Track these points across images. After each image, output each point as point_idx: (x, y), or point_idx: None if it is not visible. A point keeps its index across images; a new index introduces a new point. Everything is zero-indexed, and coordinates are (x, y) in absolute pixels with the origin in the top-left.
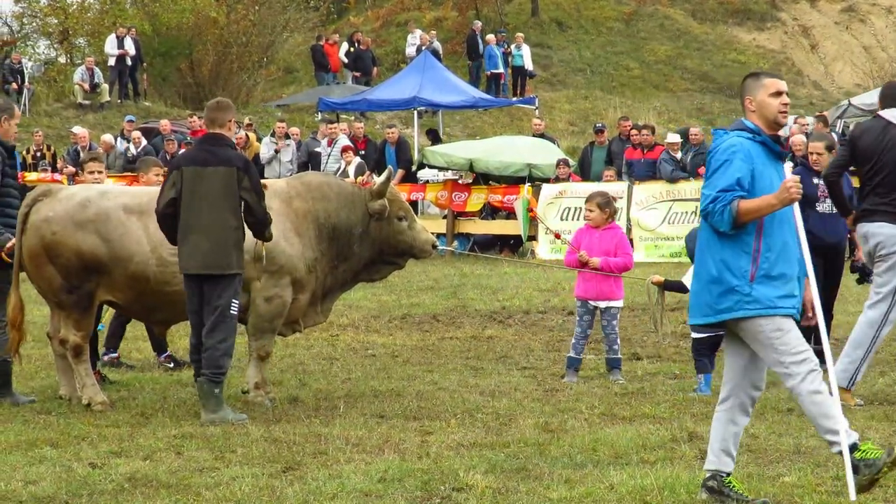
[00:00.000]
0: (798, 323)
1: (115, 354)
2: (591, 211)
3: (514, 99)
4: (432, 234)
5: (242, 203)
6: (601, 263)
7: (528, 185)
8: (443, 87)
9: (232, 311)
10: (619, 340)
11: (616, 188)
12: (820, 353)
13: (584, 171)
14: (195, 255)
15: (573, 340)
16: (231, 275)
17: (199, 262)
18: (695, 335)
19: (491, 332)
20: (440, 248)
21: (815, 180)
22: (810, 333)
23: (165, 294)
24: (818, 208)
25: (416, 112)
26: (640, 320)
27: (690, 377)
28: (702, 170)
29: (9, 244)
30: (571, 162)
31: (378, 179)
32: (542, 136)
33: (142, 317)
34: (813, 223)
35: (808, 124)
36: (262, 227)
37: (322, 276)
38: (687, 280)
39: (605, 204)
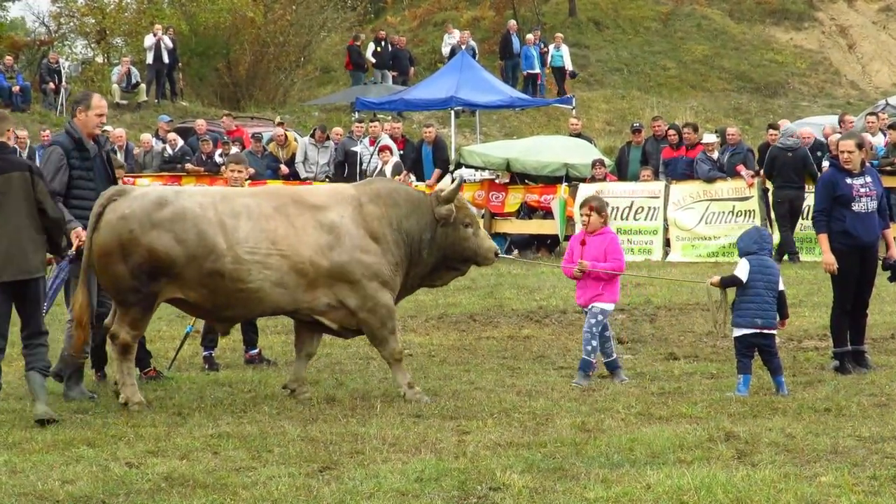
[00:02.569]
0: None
1: (256, 351)
2: (586, 216)
3: (551, 99)
4: None
5: (38, 206)
6: (590, 267)
7: (565, 184)
8: (480, 87)
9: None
10: (592, 342)
11: (653, 188)
12: (861, 354)
13: (621, 171)
14: (6, 262)
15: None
16: (39, 277)
17: (12, 269)
18: (738, 333)
19: (528, 332)
20: (502, 255)
21: (849, 180)
22: (855, 334)
23: (239, 291)
24: (853, 208)
25: (452, 112)
26: (677, 320)
27: (728, 377)
28: (739, 168)
29: (77, 241)
30: (608, 162)
31: (448, 186)
32: (578, 135)
33: (210, 315)
34: (850, 223)
35: (852, 121)
36: (58, 231)
37: (402, 280)
38: (740, 273)
39: (601, 208)
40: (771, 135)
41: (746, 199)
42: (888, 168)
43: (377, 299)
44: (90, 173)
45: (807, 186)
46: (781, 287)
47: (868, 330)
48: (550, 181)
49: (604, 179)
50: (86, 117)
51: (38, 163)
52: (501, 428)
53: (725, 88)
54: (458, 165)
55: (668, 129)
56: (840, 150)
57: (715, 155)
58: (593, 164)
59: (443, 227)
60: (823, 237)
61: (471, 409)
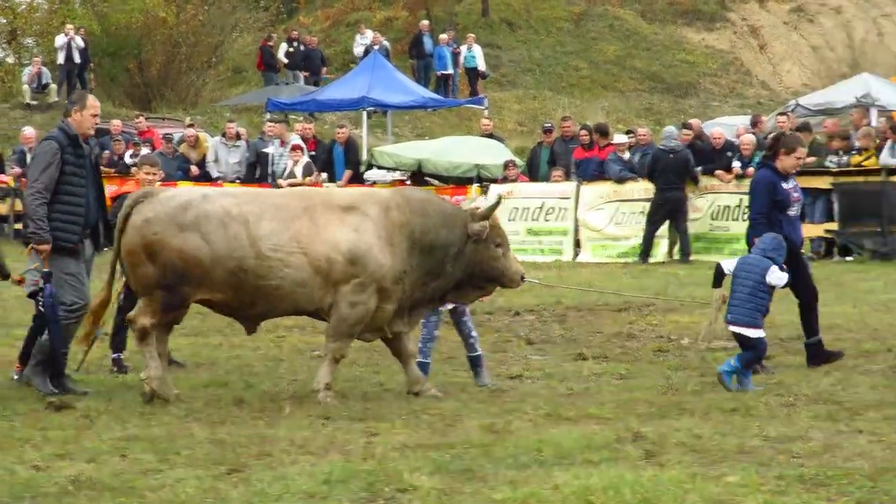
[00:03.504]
0: None
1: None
2: None
3: (464, 99)
4: None
5: None
6: None
7: (476, 185)
8: (392, 88)
9: None
10: (473, 333)
11: (564, 188)
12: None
13: (532, 172)
14: None
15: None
16: None
17: None
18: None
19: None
20: (528, 280)
21: (784, 184)
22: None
23: (262, 288)
24: (789, 213)
25: (364, 112)
26: (587, 321)
27: (636, 377)
28: None
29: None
30: (519, 162)
31: (486, 203)
32: (490, 136)
33: (238, 313)
34: (786, 228)
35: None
36: None
37: (410, 290)
38: (726, 266)
39: None
40: (684, 135)
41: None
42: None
43: (366, 302)
44: (83, 171)
45: (687, 189)
46: (780, 280)
47: (776, 329)
48: (462, 182)
49: (515, 180)
50: (81, 117)
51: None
52: (410, 429)
53: (637, 89)
54: (370, 166)
55: (581, 129)
56: (798, 156)
57: (626, 155)
58: (505, 165)
59: (473, 244)
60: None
61: (380, 411)
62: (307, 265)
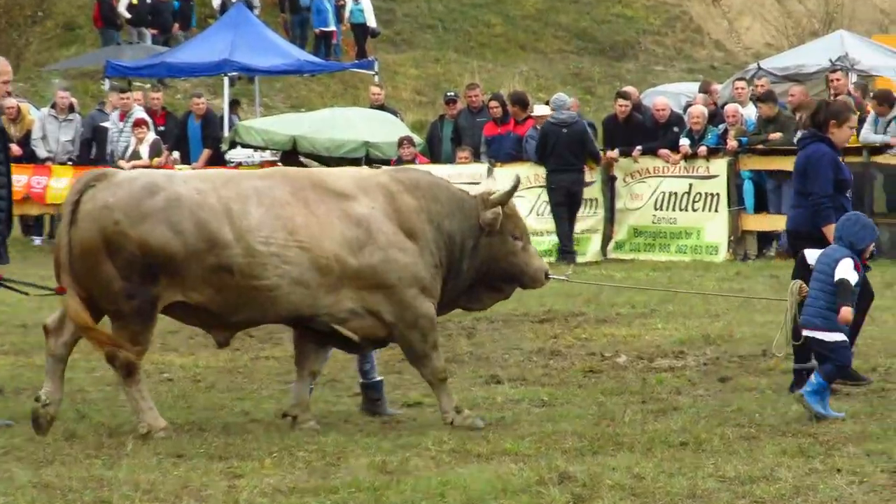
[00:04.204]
0: None
1: None
2: None
3: (349, 63)
4: None
5: None
6: None
7: (365, 167)
8: (260, 48)
9: None
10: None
11: (473, 171)
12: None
13: (434, 151)
14: None
15: None
16: None
17: None
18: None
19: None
20: (553, 276)
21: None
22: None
23: (252, 289)
24: (848, 195)
25: (226, 78)
26: (501, 335)
27: (562, 404)
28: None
29: None
30: (417, 139)
31: (502, 189)
32: (381, 107)
33: (217, 320)
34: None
35: (717, 90)
36: None
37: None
38: (810, 256)
39: None
40: (620, 105)
41: (587, 184)
42: (759, 146)
43: (417, 309)
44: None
45: (587, 170)
46: (839, 275)
47: (735, 344)
48: (347, 164)
49: (413, 161)
50: None
51: None
52: (282, 470)
53: (562, 50)
54: (233, 144)
55: (492, 99)
56: (851, 125)
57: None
58: (399, 143)
59: (487, 237)
60: (832, 227)
61: (245, 447)
62: (310, 262)
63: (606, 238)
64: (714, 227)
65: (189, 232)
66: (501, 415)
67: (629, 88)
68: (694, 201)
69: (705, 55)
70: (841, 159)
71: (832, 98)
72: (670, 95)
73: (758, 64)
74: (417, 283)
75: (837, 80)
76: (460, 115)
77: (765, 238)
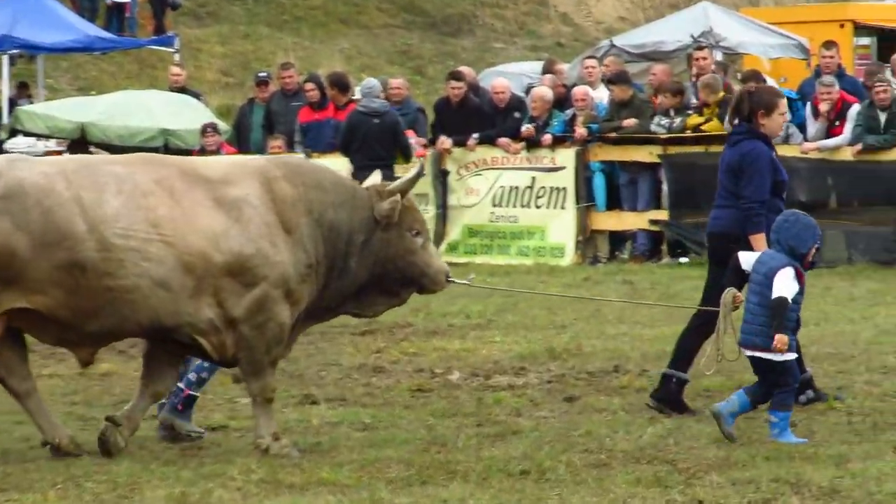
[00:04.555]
0: None
1: None
2: None
3: (145, 38)
4: None
5: None
6: None
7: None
8: (42, 22)
9: None
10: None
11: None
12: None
13: (242, 140)
14: None
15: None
16: None
17: None
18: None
19: (108, 367)
20: (453, 279)
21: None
22: None
23: (107, 290)
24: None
25: (5, 57)
26: (317, 349)
27: (387, 427)
28: (409, 134)
29: None
30: (223, 126)
31: (404, 176)
32: (182, 90)
33: (72, 331)
34: None
35: (562, 70)
36: None
37: (314, 291)
38: (745, 260)
39: None
40: (453, 88)
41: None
42: (612, 135)
43: (272, 313)
44: None
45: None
46: (776, 293)
47: (583, 359)
48: None
49: (217, 150)
50: None
51: None
52: (69, 503)
53: (389, 24)
54: (13, 132)
55: (308, 81)
56: (781, 112)
57: None
58: (203, 130)
59: (383, 232)
60: (762, 237)
61: (24, 478)
62: (174, 260)
63: (438, 239)
64: (560, 227)
65: (34, 223)
66: (317, 440)
67: (464, 69)
68: (537, 197)
69: (551, 30)
70: (775, 155)
71: (749, 86)
72: (511, 76)
73: (610, 41)
74: (283, 284)
75: (703, 58)
76: (272, 98)
77: (617, 239)
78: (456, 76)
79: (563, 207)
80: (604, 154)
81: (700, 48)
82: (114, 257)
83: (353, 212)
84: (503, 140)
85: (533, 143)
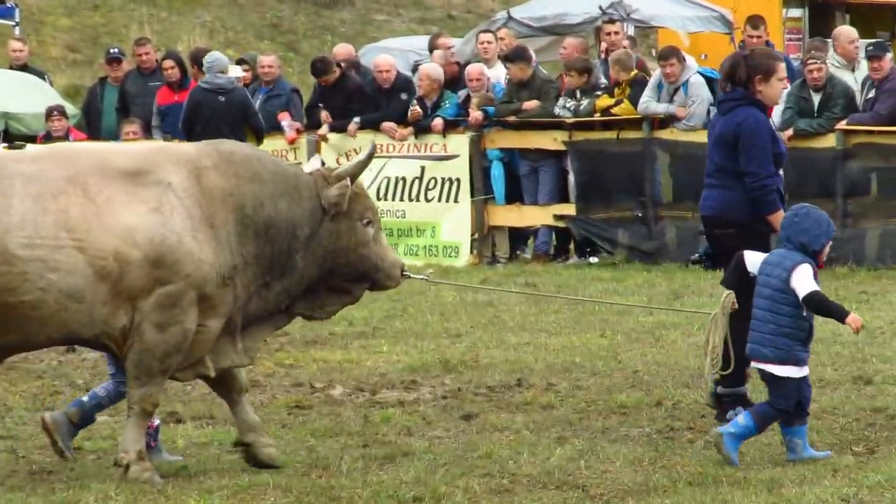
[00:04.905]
0: None
1: None
2: None
3: None
4: None
5: None
6: None
7: (3, 145)
8: None
9: None
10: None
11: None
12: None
13: (92, 124)
14: None
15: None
16: None
17: None
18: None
19: None
20: (408, 274)
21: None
22: None
23: (9, 308)
24: (781, 174)
25: None
26: None
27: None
28: (282, 117)
29: None
30: (71, 110)
31: (354, 158)
32: (24, 68)
33: None
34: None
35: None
36: None
37: (245, 295)
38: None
39: None
40: (322, 81)
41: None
42: (511, 119)
43: (180, 316)
44: None
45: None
46: (804, 290)
47: (482, 372)
48: None
49: (65, 136)
50: None
51: None
52: None
53: None
54: None
55: (166, 58)
56: (780, 77)
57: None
58: (48, 114)
59: (331, 222)
60: (782, 215)
61: None
62: (85, 266)
63: None
64: (453, 223)
65: None
66: (183, 463)
67: (342, 46)
68: (427, 189)
69: (440, 2)
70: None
71: (745, 49)
72: (396, 53)
73: (507, 12)
74: (199, 287)
75: (615, 33)
76: (127, 78)
77: (518, 236)
78: (322, 67)
79: (456, 201)
80: (502, 141)
81: (611, 21)
82: (16, 272)
83: (296, 203)
84: (388, 125)
85: (422, 129)
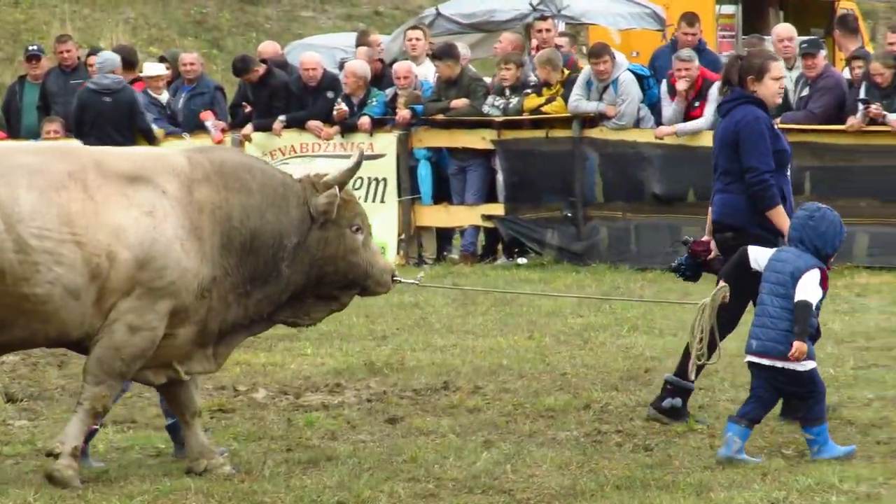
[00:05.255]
0: None
1: None
2: None
3: None
4: None
5: None
6: None
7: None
8: None
9: None
10: None
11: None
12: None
13: (12, 123)
14: None
15: None
16: None
17: None
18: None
19: None
20: (399, 279)
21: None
22: None
23: (22, 299)
24: (788, 174)
25: None
26: None
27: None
28: (205, 116)
29: None
30: None
31: (343, 166)
32: None
33: None
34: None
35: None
36: None
37: (221, 305)
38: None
39: None
40: (245, 79)
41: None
42: (439, 117)
43: (152, 325)
44: None
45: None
46: (801, 295)
47: (408, 375)
48: None
49: None
50: None
51: None
52: None
53: None
54: None
55: (88, 55)
56: (775, 76)
57: (163, 96)
58: None
59: (320, 230)
60: (782, 210)
61: None
62: (82, 263)
63: None
64: (380, 223)
65: None
66: (105, 467)
67: (267, 45)
68: (354, 188)
69: None
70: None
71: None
72: (322, 50)
73: (436, 9)
74: (178, 296)
75: (547, 30)
76: (48, 76)
77: (445, 236)
78: (243, 66)
79: (383, 201)
80: (430, 139)
81: (543, 18)
82: (30, 261)
83: (284, 213)
84: (314, 123)
85: (348, 127)
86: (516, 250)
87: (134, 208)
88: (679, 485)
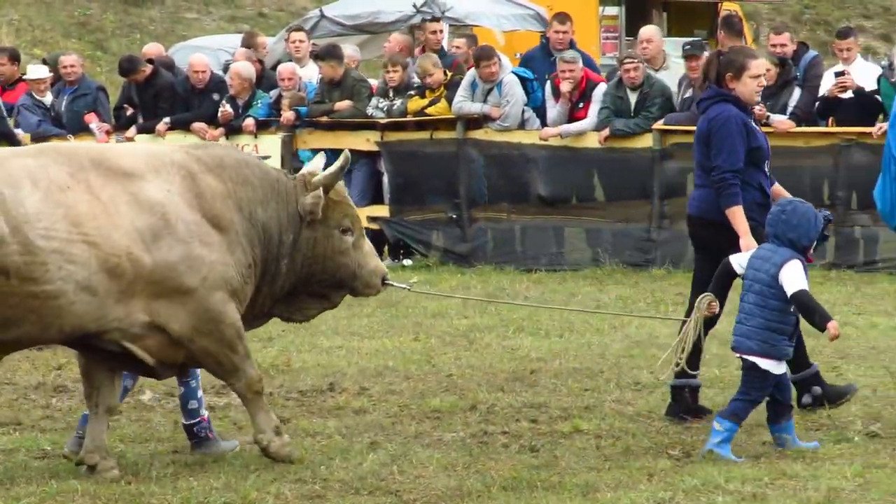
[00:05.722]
0: None
1: None
2: None
3: None
4: None
5: None
6: None
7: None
8: None
9: None
10: None
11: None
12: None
13: None
14: None
15: None
16: None
17: None
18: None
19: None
20: (391, 282)
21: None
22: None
23: (31, 297)
24: (766, 168)
25: None
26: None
27: (59, 456)
28: (89, 119)
29: None
30: None
31: (329, 168)
32: None
33: None
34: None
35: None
36: None
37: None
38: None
39: None
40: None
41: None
42: (323, 119)
43: (221, 316)
44: None
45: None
46: (793, 287)
47: (294, 376)
48: None
49: None
50: None
51: None
52: None
53: None
54: None
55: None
56: (753, 74)
57: (47, 98)
58: None
59: (309, 230)
60: (740, 211)
61: None
62: (96, 262)
63: None
64: None
65: None
66: None
67: (151, 47)
68: None
69: (251, 1)
70: (753, 122)
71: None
72: (207, 52)
73: (320, 11)
74: (225, 285)
75: (440, 31)
76: None
77: None
78: (129, 67)
79: None
80: (314, 141)
81: (435, 19)
82: (38, 261)
83: (280, 208)
84: (198, 125)
85: (233, 129)
86: (402, 252)
87: (145, 211)
88: (565, 485)
